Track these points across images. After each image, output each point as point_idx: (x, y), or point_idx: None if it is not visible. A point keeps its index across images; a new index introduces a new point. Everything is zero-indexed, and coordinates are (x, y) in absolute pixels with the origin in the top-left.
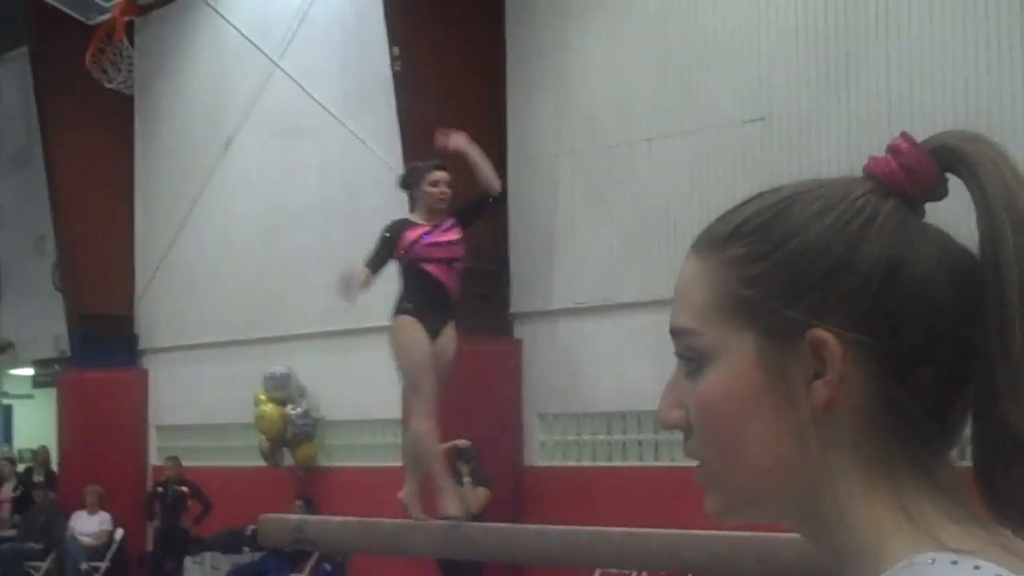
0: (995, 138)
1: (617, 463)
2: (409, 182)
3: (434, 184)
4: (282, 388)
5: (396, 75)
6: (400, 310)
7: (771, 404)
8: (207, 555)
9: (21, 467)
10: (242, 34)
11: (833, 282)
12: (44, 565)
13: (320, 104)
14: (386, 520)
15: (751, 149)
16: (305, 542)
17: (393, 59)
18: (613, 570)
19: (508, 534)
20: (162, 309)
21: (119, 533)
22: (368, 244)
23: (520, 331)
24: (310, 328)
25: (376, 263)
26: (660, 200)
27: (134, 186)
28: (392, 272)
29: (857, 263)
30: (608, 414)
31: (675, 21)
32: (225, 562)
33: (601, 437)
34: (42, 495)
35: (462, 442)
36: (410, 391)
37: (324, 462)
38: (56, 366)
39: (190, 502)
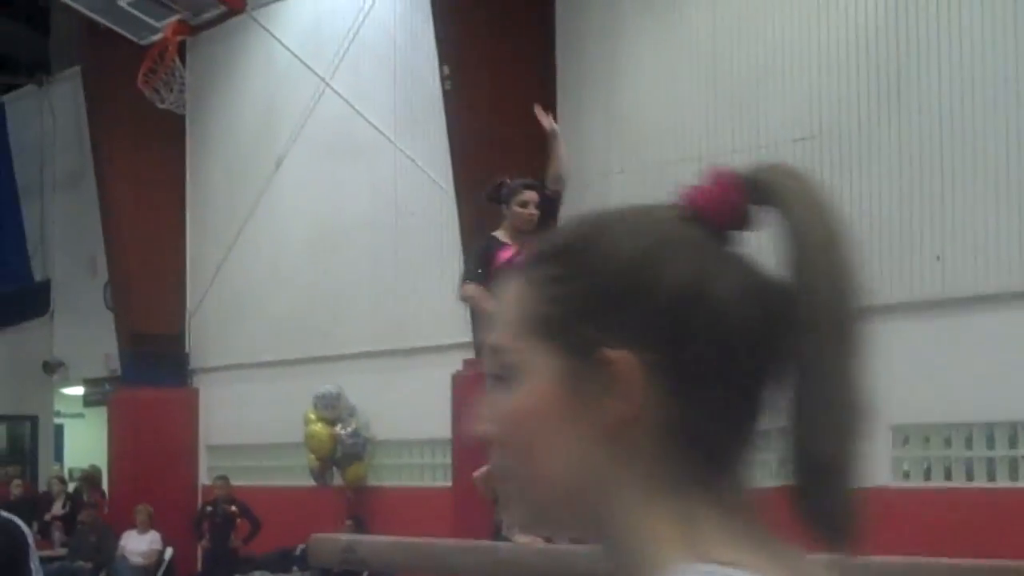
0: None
1: None
2: (497, 198)
3: (523, 204)
4: (332, 407)
5: (446, 94)
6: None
7: (569, 421)
8: (256, 574)
9: (71, 486)
10: (293, 53)
11: (632, 303)
12: None
13: (370, 123)
14: (436, 540)
15: (801, 167)
16: (355, 562)
17: (443, 78)
18: None
19: (561, 555)
20: (213, 328)
21: (168, 552)
22: (418, 264)
23: None
24: (360, 348)
25: (478, 276)
26: None
27: (185, 206)
28: (437, 291)
29: (656, 286)
30: None
31: (725, 40)
32: None
33: None
34: (89, 514)
35: None
36: None
37: (373, 482)
38: (107, 385)
39: (239, 521)
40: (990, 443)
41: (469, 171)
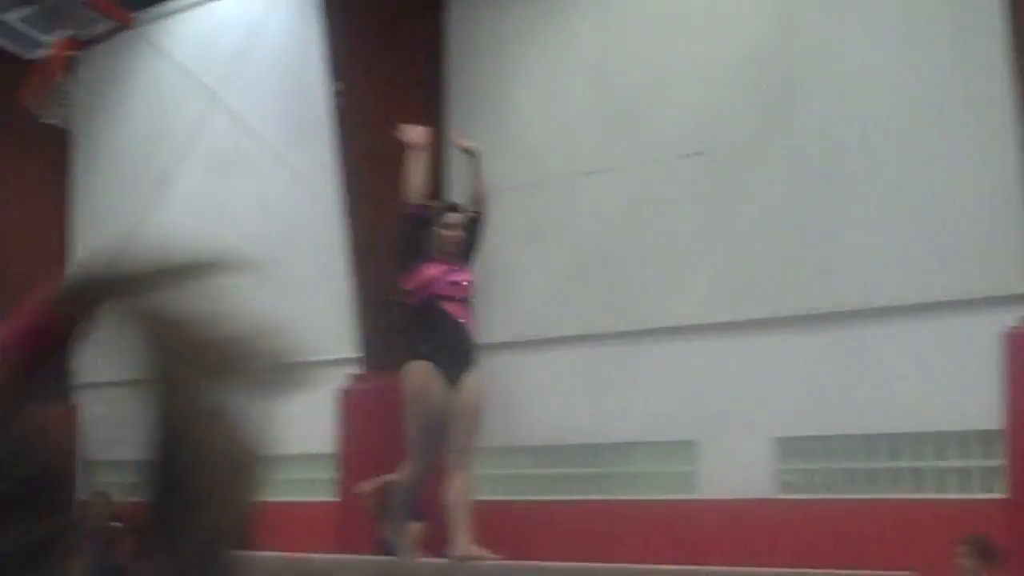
0: (936, 160)
1: (552, 496)
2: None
3: (447, 227)
4: None
5: (338, 110)
6: (415, 355)
7: None
8: None
9: None
10: (182, 68)
11: None
12: None
13: (259, 139)
14: (319, 555)
15: (690, 183)
16: None
17: (336, 94)
18: None
19: (442, 569)
20: (100, 344)
21: None
22: (306, 280)
23: None
24: None
25: (416, 220)
26: (598, 234)
27: (70, 220)
28: (324, 307)
29: None
30: (545, 448)
31: (615, 57)
32: None
33: (538, 471)
34: None
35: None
36: (411, 449)
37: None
38: None
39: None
40: (872, 455)
41: (359, 187)
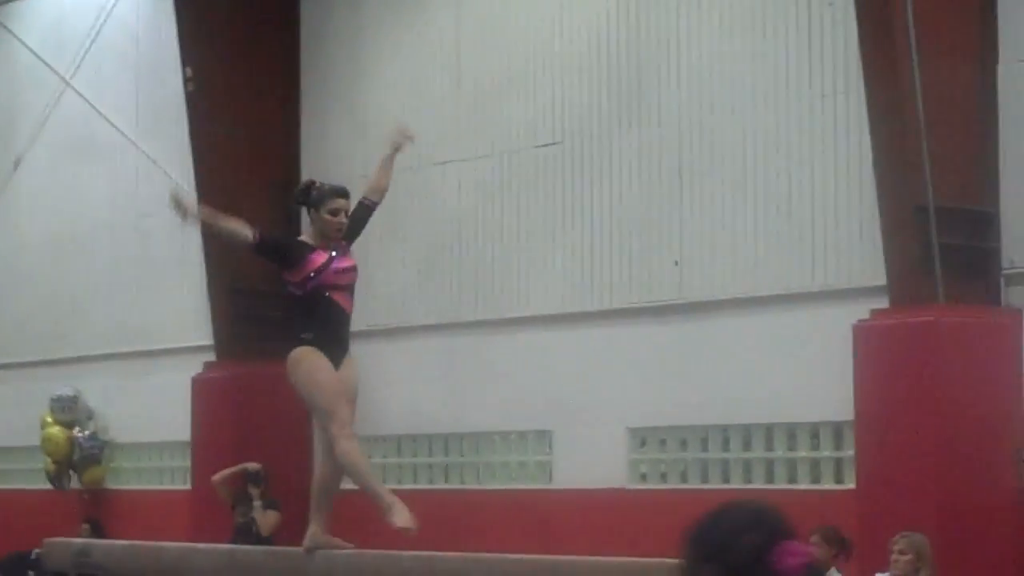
0: (788, 152)
1: (407, 486)
2: (306, 201)
3: (334, 212)
4: (69, 410)
5: (189, 96)
6: (299, 342)
7: None
8: None
9: None
10: (33, 52)
11: None
12: None
13: (112, 124)
14: (171, 543)
15: (545, 173)
16: (90, 566)
17: (186, 80)
18: None
19: (294, 558)
20: None
21: None
22: (159, 266)
23: None
24: (99, 350)
25: (266, 247)
26: (453, 224)
27: None
28: (178, 294)
29: None
30: (399, 436)
31: (469, 45)
32: None
33: (393, 460)
34: None
35: (252, 465)
36: (326, 419)
37: (112, 485)
38: None
39: None
40: (725, 446)
41: (212, 173)
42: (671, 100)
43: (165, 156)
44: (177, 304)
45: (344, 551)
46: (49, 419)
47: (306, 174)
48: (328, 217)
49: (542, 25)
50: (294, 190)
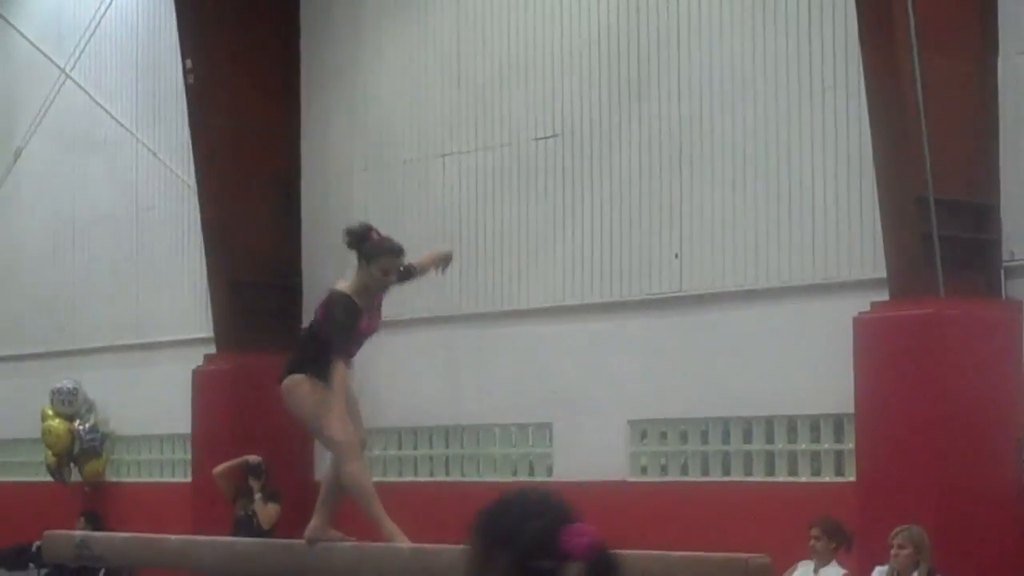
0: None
1: (407, 478)
2: (358, 248)
3: (386, 272)
4: (69, 403)
5: (189, 88)
6: (300, 371)
7: None
8: None
9: None
10: (33, 44)
11: None
12: None
13: (112, 116)
14: (171, 536)
15: (544, 165)
16: (90, 558)
17: (186, 72)
18: None
19: (294, 550)
20: None
21: None
22: (159, 258)
23: None
24: (99, 342)
25: (343, 351)
26: (453, 216)
27: None
28: (178, 286)
29: None
30: (399, 429)
31: (469, 38)
32: None
33: (392, 452)
34: None
35: (253, 458)
36: (332, 446)
37: (112, 477)
38: None
39: None
40: (726, 438)
41: (212, 165)
42: (671, 92)
43: (165, 148)
44: (177, 296)
45: (345, 544)
46: (49, 412)
47: (306, 166)
48: (379, 275)
49: (542, 18)
50: (347, 228)
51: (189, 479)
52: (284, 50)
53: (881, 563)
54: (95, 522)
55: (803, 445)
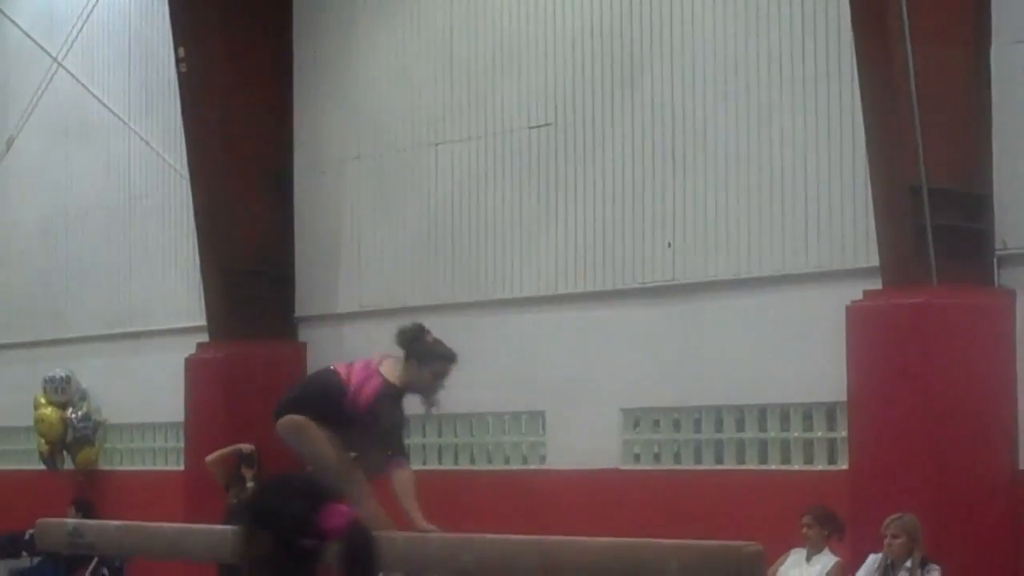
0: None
1: None
2: (409, 349)
3: (438, 377)
4: (62, 391)
5: (181, 77)
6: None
7: None
8: None
9: None
10: (24, 32)
11: None
12: None
13: (104, 105)
14: (164, 524)
15: (537, 155)
16: (82, 546)
17: (178, 60)
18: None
19: None
20: None
21: None
22: (152, 247)
23: (305, 334)
24: (92, 331)
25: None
26: (446, 205)
27: None
28: (171, 275)
29: None
30: None
31: (462, 27)
32: (3, 567)
33: None
34: None
35: (246, 447)
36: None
37: (105, 465)
38: None
39: None
40: (719, 426)
41: (204, 154)
42: (664, 82)
43: (158, 137)
44: (170, 285)
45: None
46: (42, 400)
47: (298, 154)
48: (430, 379)
49: (535, 6)
50: (400, 328)
51: (182, 467)
52: (277, 39)
53: (874, 551)
54: (87, 510)
55: (796, 433)
